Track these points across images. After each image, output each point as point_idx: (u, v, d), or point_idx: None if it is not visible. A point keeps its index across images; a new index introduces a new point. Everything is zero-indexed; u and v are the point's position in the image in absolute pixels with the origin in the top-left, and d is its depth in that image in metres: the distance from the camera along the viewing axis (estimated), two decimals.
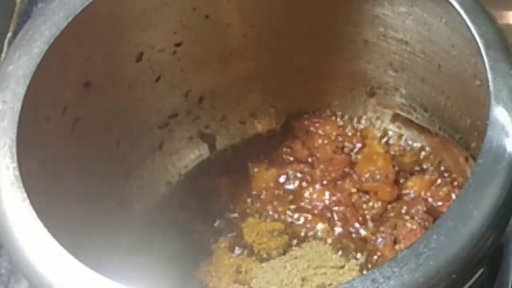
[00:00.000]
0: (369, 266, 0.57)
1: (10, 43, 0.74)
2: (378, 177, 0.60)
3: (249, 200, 0.62)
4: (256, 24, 0.60)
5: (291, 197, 0.62)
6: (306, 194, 0.61)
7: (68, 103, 0.52)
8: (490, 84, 0.45)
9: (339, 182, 0.61)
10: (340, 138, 0.63)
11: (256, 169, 0.63)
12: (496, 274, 0.48)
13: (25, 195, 0.44)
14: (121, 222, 0.59)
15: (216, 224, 0.61)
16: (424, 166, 0.61)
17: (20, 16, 0.77)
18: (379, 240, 0.58)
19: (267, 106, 0.66)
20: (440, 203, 0.59)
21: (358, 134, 0.64)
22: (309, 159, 0.63)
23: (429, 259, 0.39)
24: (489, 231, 0.40)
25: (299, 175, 0.62)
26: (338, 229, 0.60)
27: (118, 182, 0.60)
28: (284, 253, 0.59)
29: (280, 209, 0.61)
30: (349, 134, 0.64)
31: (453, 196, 0.58)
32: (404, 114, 0.62)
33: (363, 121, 0.65)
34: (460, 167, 0.58)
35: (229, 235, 0.61)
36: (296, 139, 0.64)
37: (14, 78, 0.48)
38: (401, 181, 0.61)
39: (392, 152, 0.63)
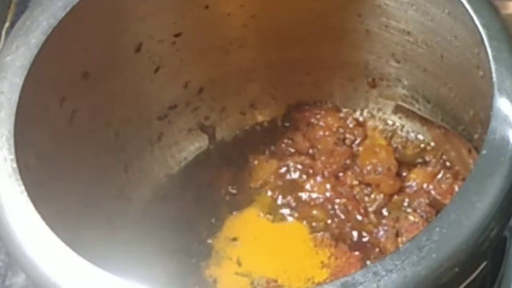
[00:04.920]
0: (371, 259, 0.57)
1: (7, 33, 0.74)
2: (380, 169, 0.60)
3: (249, 192, 0.62)
4: (256, 14, 0.60)
5: (291, 189, 0.61)
6: (307, 186, 0.61)
7: (66, 94, 0.52)
8: (493, 74, 0.44)
9: (340, 174, 0.61)
10: (341, 130, 0.63)
11: (256, 161, 0.63)
12: (499, 267, 0.48)
13: (22, 187, 0.44)
14: (120, 215, 0.59)
15: (215, 216, 0.61)
16: (427, 158, 0.61)
17: (17, 6, 0.77)
18: (381, 233, 0.58)
19: (268, 97, 0.65)
20: (442, 196, 0.58)
21: (359, 125, 0.64)
22: (310, 151, 0.63)
23: (431, 252, 0.38)
24: (493, 223, 0.40)
25: (300, 167, 0.62)
26: (339, 222, 0.59)
27: (117, 174, 0.60)
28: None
29: (280, 201, 0.61)
30: (351, 125, 0.64)
31: (456, 188, 0.58)
32: (406, 106, 0.62)
33: (364, 113, 0.64)
34: (463, 159, 0.58)
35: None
36: (297, 130, 0.64)
37: (11, 69, 0.48)
38: (403, 173, 0.61)
39: (394, 144, 0.63)
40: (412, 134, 0.63)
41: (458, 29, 0.51)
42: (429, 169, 0.60)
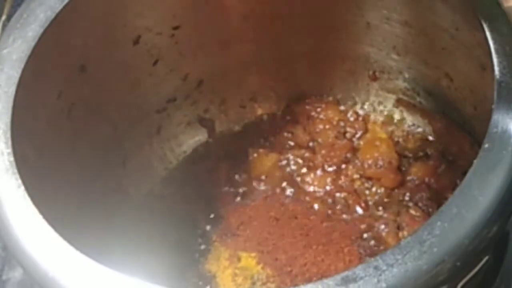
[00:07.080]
0: (372, 253, 0.57)
1: (4, 26, 0.74)
2: (381, 163, 0.60)
3: (249, 185, 0.62)
4: (256, 7, 0.60)
5: (291, 182, 0.61)
6: (307, 180, 0.61)
7: (63, 87, 0.52)
8: (495, 67, 0.44)
9: (341, 168, 0.61)
10: (342, 123, 0.63)
11: (256, 154, 0.63)
12: (501, 262, 0.48)
13: (20, 181, 0.43)
14: (118, 209, 0.59)
15: (215, 210, 0.61)
16: (428, 152, 0.61)
17: None
18: (382, 227, 0.58)
19: (267, 90, 0.65)
20: (444, 189, 0.58)
21: (360, 119, 0.63)
22: (310, 144, 0.63)
23: (433, 246, 0.38)
24: (494, 217, 0.40)
25: (300, 160, 0.62)
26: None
27: (115, 168, 0.59)
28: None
29: (280, 194, 0.61)
30: (351, 119, 0.63)
31: (457, 182, 0.58)
32: (407, 99, 0.62)
33: (365, 106, 0.64)
34: (464, 152, 0.58)
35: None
36: (297, 123, 0.64)
37: (8, 62, 0.48)
38: (405, 167, 0.60)
39: (395, 138, 0.62)
40: (413, 128, 0.63)
41: (459, 22, 0.51)
42: (431, 162, 0.60)
